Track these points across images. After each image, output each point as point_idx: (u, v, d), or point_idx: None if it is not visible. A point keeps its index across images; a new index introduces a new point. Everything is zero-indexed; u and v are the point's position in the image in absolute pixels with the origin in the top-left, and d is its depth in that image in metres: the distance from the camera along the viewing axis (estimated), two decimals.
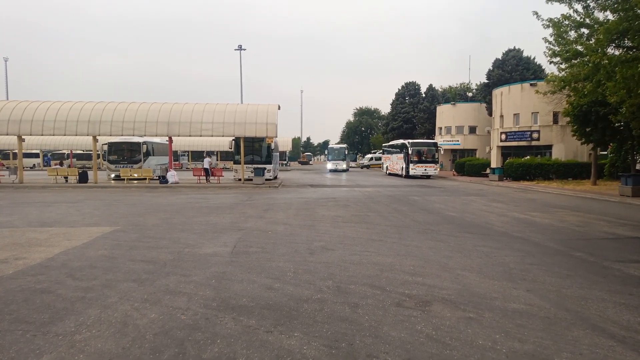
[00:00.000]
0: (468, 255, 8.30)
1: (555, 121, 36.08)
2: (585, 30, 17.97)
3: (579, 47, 18.05)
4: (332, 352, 4.14)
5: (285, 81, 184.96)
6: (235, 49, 57.71)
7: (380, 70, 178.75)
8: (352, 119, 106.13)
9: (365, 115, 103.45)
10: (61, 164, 33.72)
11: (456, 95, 69.95)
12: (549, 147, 36.72)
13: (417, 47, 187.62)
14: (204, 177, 29.25)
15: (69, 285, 6.21)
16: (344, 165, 53.37)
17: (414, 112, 65.66)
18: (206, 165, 29.54)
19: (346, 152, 56.25)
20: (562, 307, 5.44)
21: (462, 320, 4.95)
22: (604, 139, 26.68)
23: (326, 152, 56.11)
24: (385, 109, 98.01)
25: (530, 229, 11.39)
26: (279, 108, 28.20)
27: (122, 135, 27.86)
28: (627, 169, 27.17)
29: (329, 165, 53.58)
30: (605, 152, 33.76)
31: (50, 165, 47.44)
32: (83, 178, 27.40)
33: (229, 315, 5.05)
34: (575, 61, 18.82)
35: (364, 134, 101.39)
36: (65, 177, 28.49)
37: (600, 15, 17.54)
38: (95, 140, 27.92)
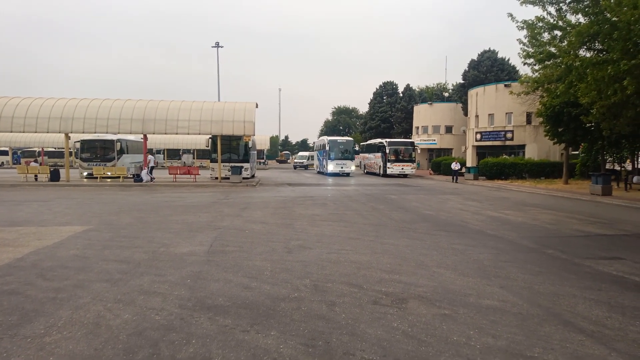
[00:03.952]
0: (444, 252, 8.40)
1: (529, 121, 36.86)
2: (558, 33, 18.42)
3: (552, 49, 18.49)
4: (309, 350, 4.13)
5: (265, 78, 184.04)
6: (212, 46, 57.18)
7: (359, 69, 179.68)
8: (330, 118, 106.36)
9: (343, 115, 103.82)
10: (35, 161, 32.76)
11: (433, 95, 70.79)
12: (523, 146, 37.50)
13: (397, 47, 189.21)
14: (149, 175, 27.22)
15: (39, 286, 6.04)
16: (351, 167, 40.12)
17: (392, 111, 66.15)
18: (152, 164, 27.92)
19: (355, 148, 43.32)
20: (535, 303, 5.55)
21: (437, 317, 5.00)
22: (576, 139, 27.39)
23: (327, 148, 39.95)
24: (363, 108, 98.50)
25: (504, 227, 11.60)
26: (257, 106, 28.04)
27: (95, 133, 27.28)
28: (598, 169, 27.95)
29: (331, 167, 39.06)
30: (577, 152, 34.64)
31: (20, 163, 46.09)
32: (54, 176, 26.71)
33: (204, 315, 4.99)
34: (548, 62, 19.28)
35: (342, 133, 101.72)
36: (36, 176, 27.74)
37: (572, 18, 18.00)
38: (67, 137, 27.25)
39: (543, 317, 5.05)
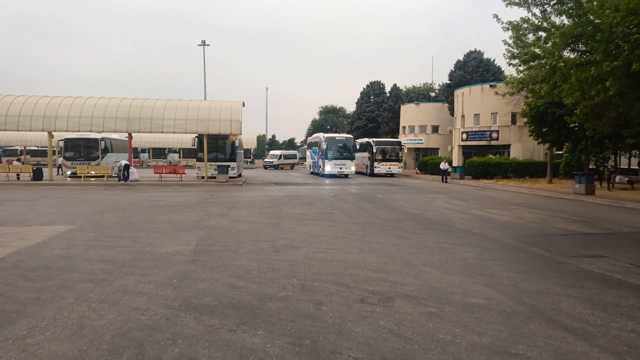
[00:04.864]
0: (430, 251, 8.45)
1: (514, 121, 37.26)
2: (542, 34, 18.63)
3: (537, 50, 18.69)
4: (296, 349, 4.13)
5: (252, 77, 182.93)
6: (199, 44, 56.76)
7: (347, 69, 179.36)
8: (317, 117, 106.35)
9: (330, 114, 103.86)
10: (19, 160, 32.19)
11: (419, 95, 71.12)
12: (508, 146, 37.90)
13: (384, 47, 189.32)
14: (120, 176, 26.55)
15: (21, 286, 5.94)
16: (351, 168, 36.33)
17: (379, 111, 66.35)
18: (125, 162, 26.93)
19: (355, 147, 38.83)
20: (519, 300, 5.62)
21: (423, 315, 5.03)
22: (560, 139, 27.76)
23: (325, 146, 36.23)
24: (350, 107, 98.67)
25: (490, 226, 11.71)
26: (244, 105, 27.92)
27: (79, 132, 26.91)
28: (581, 168, 28.36)
29: (328, 168, 35.42)
30: (561, 152, 35.09)
31: (1, 162, 45.19)
32: (37, 176, 26.29)
33: (190, 315, 4.96)
34: (533, 63, 19.47)
35: (330, 132, 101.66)
36: (18, 175, 27.27)
37: (556, 20, 18.22)
38: (50, 136, 26.85)
39: (527, 315, 5.11)
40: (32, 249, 8.23)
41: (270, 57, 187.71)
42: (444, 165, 32.53)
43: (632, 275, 6.95)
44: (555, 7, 17.85)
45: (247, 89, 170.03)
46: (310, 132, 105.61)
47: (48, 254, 7.83)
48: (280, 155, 56.87)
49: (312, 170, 41.90)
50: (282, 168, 54.89)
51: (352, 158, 36.70)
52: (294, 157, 59.99)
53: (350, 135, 40.12)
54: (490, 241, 9.63)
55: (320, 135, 39.35)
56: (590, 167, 29.12)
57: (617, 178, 24.54)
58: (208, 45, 56.65)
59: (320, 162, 37.61)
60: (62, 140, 30.06)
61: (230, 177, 28.46)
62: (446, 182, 31.33)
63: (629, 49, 14.73)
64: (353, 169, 36.74)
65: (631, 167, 31.74)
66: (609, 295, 5.93)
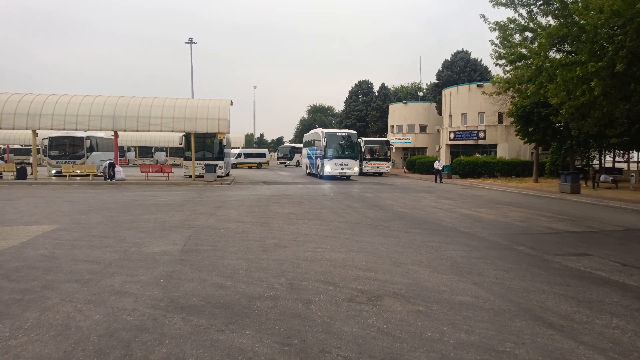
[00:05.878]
0: (418, 250, 8.49)
1: (500, 121, 37.60)
2: (529, 34, 18.78)
3: (523, 50, 18.84)
4: (285, 349, 4.11)
5: (240, 75, 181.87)
6: (185, 42, 56.34)
7: (335, 67, 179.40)
8: (306, 116, 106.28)
9: (319, 113, 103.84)
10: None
11: (408, 94, 71.46)
12: (494, 146, 38.25)
13: (373, 46, 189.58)
14: (105, 175, 26.13)
15: (4, 287, 5.84)
16: (354, 168, 32.05)
17: (367, 110, 66.48)
18: (110, 161, 26.82)
19: (359, 144, 35.03)
20: (506, 298, 5.66)
21: (412, 314, 5.05)
22: (545, 139, 28.05)
23: (324, 143, 31.63)
24: (339, 106, 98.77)
25: (477, 225, 11.79)
26: (232, 104, 27.77)
27: (64, 130, 26.54)
28: (567, 167, 28.69)
29: (328, 168, 31.31)
30: (547, 151, 35.48)
31: None
32: (21, 174, 25.88)
33: (178, 315, 4.91)
34: (519, 64, 19.62)
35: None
36: (1, 174, 26.81)
37: (543, 20, 18.38)
38: (35, 134, 26.45)
39: (514, 313, 5.15)
40: (15, 249, 8.09)
41: (260, 55, 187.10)
42: (438, 164, 31.24)
43: (617, 273, 7.05)
44: (542, 7, 18.02)
45: (236, 87, 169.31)
46: (298, 131, 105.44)
47: (32, 254, 7.71)
48: (240, 154, 52.23)
49: (308, 170, 38.15)
50: (249, 167, 51.50)
51: (355, 157, 32.43)
52: (261, 155, 55.64)
53: (354, 131, 34.68)
54: (477, 240, 9.70)
55: (319, 131, 34.39)
56: (576, 165, 29.49)
57: (602, 177, 24.91)
58: (195, 43, 56.18)
59: (319, 162, 33.25)
60: (46, 138, 29.67)
61: (218, 176, 28.31)
62: (437, 181, 30.26)
63: (613, 50, 14.93)
64: (357, 169, 32.63)
65: (615, 166, 32.20)
66: (594, 292, 6.00)
